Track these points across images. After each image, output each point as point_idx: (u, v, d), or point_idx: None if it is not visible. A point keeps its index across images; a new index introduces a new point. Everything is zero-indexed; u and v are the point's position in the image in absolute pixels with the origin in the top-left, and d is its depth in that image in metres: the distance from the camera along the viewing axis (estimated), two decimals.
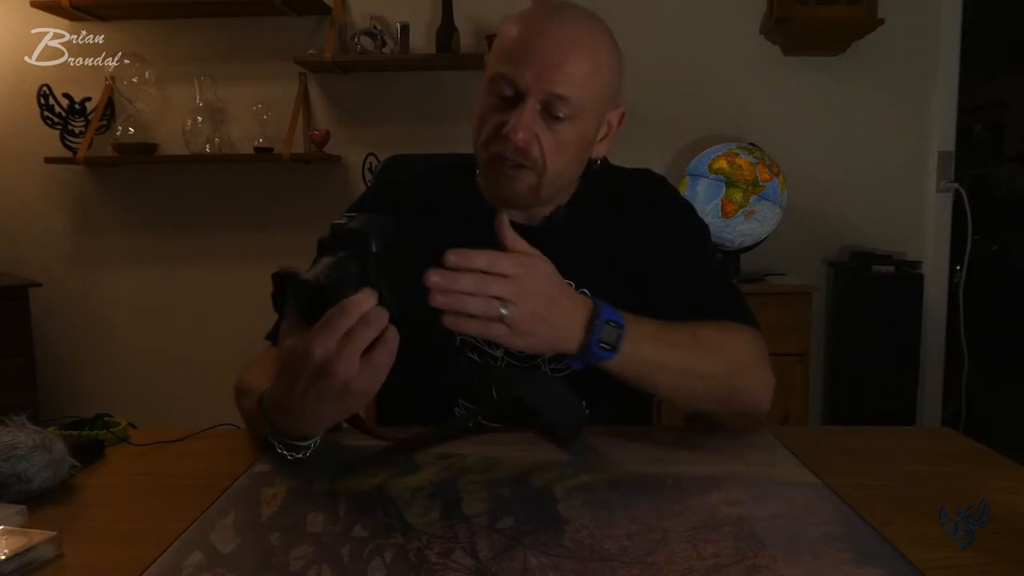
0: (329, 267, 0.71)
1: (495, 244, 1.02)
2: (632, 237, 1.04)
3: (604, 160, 1.35)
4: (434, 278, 0.71)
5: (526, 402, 0.86)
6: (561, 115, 0.92)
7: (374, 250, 0.72)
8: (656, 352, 0.84)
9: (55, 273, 2.88)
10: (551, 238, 1.02)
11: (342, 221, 0.74)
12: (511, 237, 0.78)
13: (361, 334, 0.69)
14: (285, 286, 0.73)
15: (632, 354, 0.81)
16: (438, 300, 0.71)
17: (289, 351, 0.73)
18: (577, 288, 1.00)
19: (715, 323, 0.92)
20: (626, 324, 0.81)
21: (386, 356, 0.70)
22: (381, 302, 0.71)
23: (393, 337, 0.70)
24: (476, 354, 0.99)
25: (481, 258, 0.74)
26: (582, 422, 0.90)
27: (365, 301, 0.70)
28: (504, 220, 0.78)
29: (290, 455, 0.81)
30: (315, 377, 0.70)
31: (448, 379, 0.97)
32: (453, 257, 0.72)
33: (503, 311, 0.74)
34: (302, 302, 0.72)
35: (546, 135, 0.93)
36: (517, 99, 0.92)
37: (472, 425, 0.92)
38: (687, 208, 1.10)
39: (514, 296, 0.74)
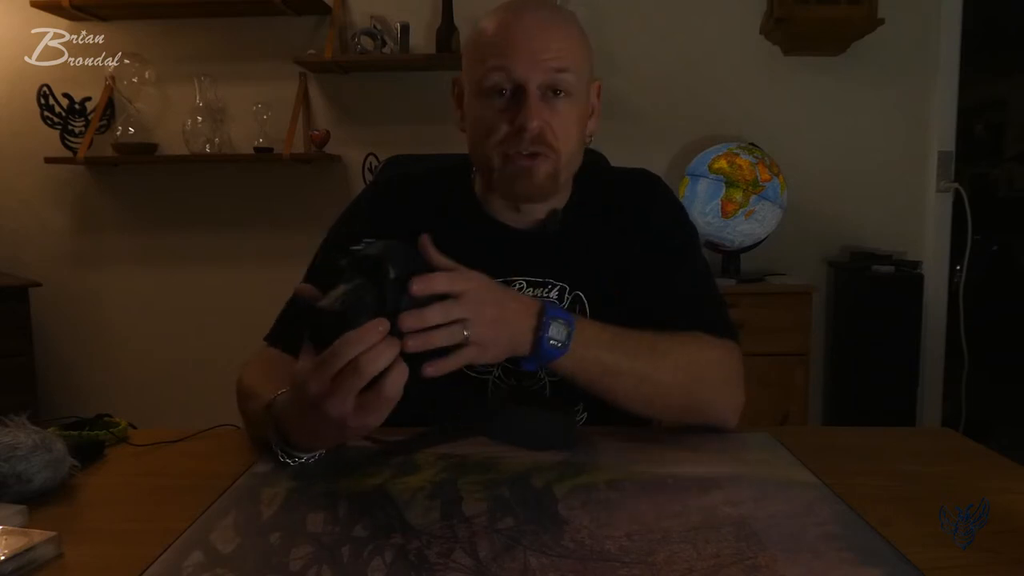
0: (344, 294, 0.70)
1: (489, 246, 1.02)
2: (623, 236, 1.04)
3: (602, 160, 1.35)
4: (408, 321, 0.70)
5: (519, 443, 0.85)
6: (561, 93, 0.94)
7: (392, 277, 0.70)
8: (609, 356, 0.85)
9: (55, 273, 2.88)
10: (547, 241, 1.02)
11: (359, 247, 0.72)
12: (438, 256, 0.77)
13: (351, 379, 0.68)
14: (301, 311, 0.73)
15: (584, 355, 0.83)
16: (411, 345, 0.70)
17: (295, 374, 0.73)
18: (571, 291, 1.01)
19: (682, 335, 0.92)
20: (575, 322, 0.82)
21: (386, 398, 0.69)
22: (394, 331, 0.69)
23: (398, 376, 0.69)
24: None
25: (443, 281, 0.73)
26: (571, 434, 0.89)
27: (372, 332, 0.68)
28: (426, 239, 0.77)
29: (290, 461, 0.80)
30: (312, 408, 0.71)
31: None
32: (418, 285, 0.71)
33: (465, 332, 0.74)
34: (315, 329, 0.71)
35: (553, 118, 0.94)
36: (516, 93, 0.93)
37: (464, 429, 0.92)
38: (677, 208, 1.09)
39: (470, 312, 0.74)
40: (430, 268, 0.74)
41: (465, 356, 0.75)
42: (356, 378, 0.67)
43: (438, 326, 0.72)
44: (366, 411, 0.69)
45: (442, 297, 0.73)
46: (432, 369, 0.72)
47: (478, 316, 0.75)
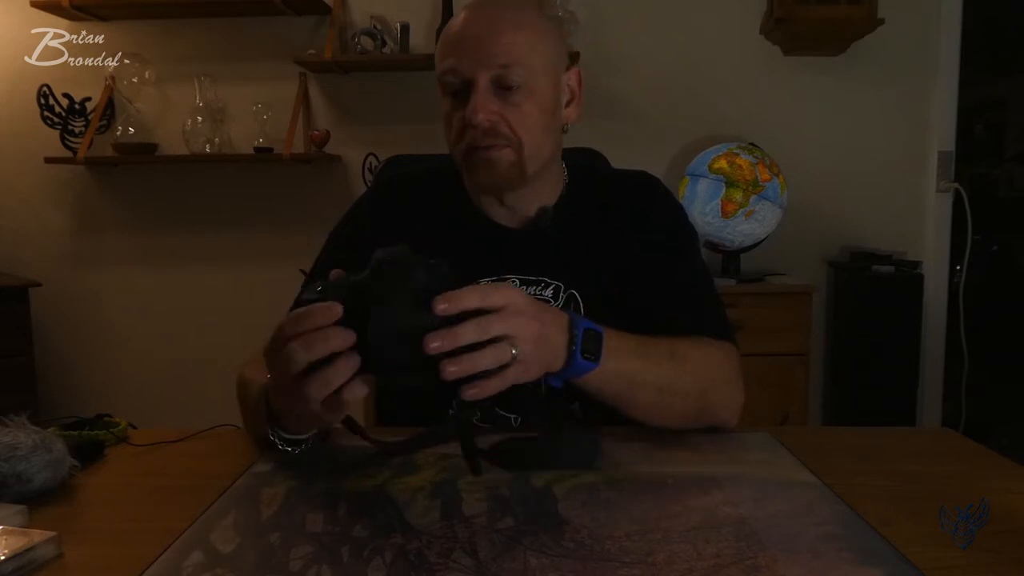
0: (326, 289, 0.68)
1: (486, 245, 1.02)
2: (621, 236, 1.03)
3: (603, 160, 1.35)
4: (434, 343, 0.64)
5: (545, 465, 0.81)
6: (513, 86, 0.94)
7: (363, 276, 0.67)
8: (636, 366, 0.84)
9: (55, 273, 2.88)
10: (541, 240, 1.02)
11: (396, 247, 0.68)
12: (463, 292, 0.69)
13: (286, 365, 0.65)
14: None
15: (613, 367, 0.81)
16: (451, 372, 0.64)
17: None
18: (566, 289, 1.01)
19: (693, 339, 0.92)
20: (604, 333, 0.80)
21: (306, 394, 0.65)
22: (376, 342, 0.65)
23: (334, 374, 0.65)
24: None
25: (473, 296, 0.67)
26: (595, 455, 0.84)
27: (319, 314, 0.65)
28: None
29: (283, 447, 0.80)
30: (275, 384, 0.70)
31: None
32: (442, 305, 0.65)
33: (513, 351, 0.68)
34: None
35: (508, 110, 0.94)
36: (467, 89, 0.94)
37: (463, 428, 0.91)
38: (678, 209, 1.09)
39: (513, 328, 0.69)
40: (443, 288, 0.67)
41: (510, 376, 0.69)
42: (290, 365, 0.65)
43: (476, 347, 0.66)
44: (323, 402, 0.67)
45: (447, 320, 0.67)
46: (474, 391, 0.67)
47: (523, 332, 0.70)
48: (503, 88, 0.94)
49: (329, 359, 0.65)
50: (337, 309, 0.65)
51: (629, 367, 0.83)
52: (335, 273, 0.72)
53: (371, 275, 0.67)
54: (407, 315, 0.65)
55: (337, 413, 0.68)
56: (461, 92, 0.96)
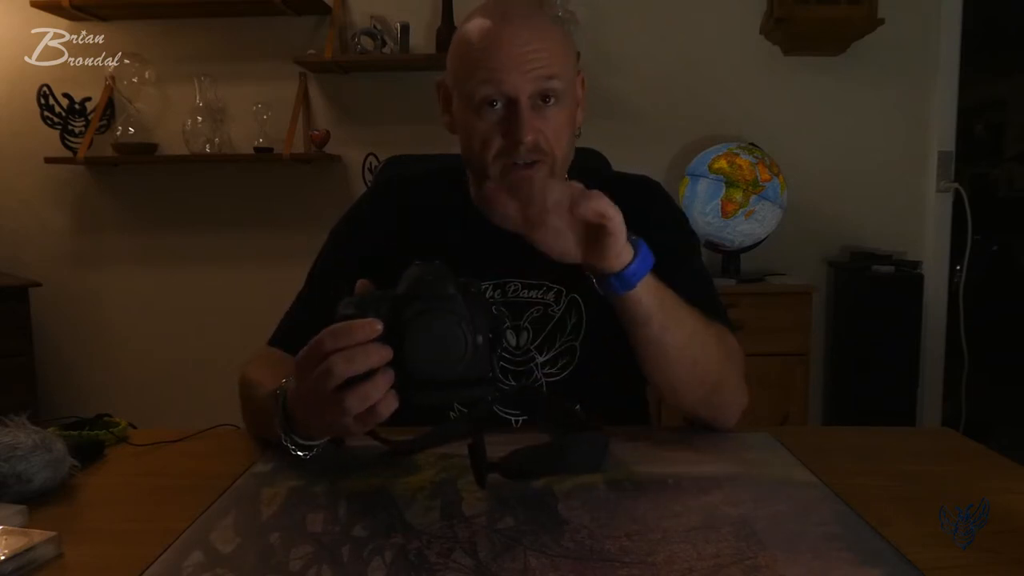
0: (368, 302, 0.69)
1: (486, 248, 1.02)
2: None
3: (603, 160, 1.35)
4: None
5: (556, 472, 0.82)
6: (551, 100, 0.93)
7: (401, 292, 0.68)
8: (675, 304, 0.84)
9: (55, 273, 2.88)
10: None
11: (432, 264, 0.71)
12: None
13: (325, 379, 0.66)
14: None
15: (656, 290, 0.81)
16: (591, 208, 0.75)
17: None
18: (567, 294, 1.01)
19: (720, 327, 0.92)
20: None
21: (346, 407, 0.67)
22: (404, 358, 0.67)
23: (373, 388, 0.66)
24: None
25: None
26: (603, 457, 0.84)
27: (360, 330, 0.66)
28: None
29: (295, 452, 0.79)
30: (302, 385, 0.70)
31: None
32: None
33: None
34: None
35: (545, 125, 0.93)
36: (508, 106, 0.92)
37: (468, 428, 0.92)
38: (678, 212, 1.09)
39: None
40: (477, 307, 0.70)
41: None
42: (329, 378, 0.66)
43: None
44: (355, 415, 0.68)
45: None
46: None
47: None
48: (542, 101, 0.93)
49: (366, 374, 0.67)
50: (378, 326, 0.67)
51: (668, 301, 0.83)
52: (361, 284, 0.73)
53: (408, 292, 0.69)
54: (443, 334, 0.67)
55: (367, 426, 0.69)
56: (498, 106, 0.93)
